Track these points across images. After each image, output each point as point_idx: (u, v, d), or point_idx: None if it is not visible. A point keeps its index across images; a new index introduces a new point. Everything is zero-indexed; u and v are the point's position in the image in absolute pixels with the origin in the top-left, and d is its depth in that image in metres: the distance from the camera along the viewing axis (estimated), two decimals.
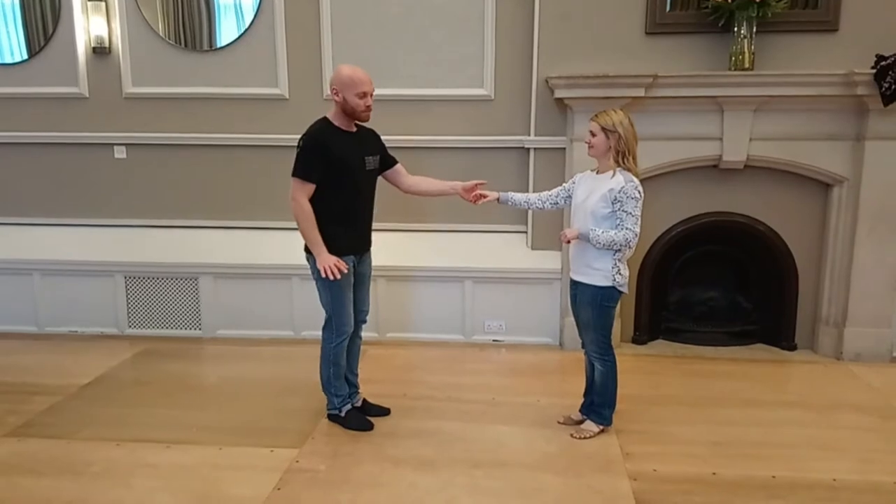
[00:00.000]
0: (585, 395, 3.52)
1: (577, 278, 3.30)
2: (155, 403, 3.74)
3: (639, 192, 3.12)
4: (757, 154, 4.26)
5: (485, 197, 3.48)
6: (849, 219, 4.30)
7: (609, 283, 3.18)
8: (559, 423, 3.49)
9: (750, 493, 2.88)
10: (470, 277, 4.65)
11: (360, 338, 3.58)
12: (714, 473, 3.03)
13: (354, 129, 3.28)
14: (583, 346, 3.42)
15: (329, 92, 3.21)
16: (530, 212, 4.63)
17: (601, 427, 3.38)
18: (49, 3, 4.72)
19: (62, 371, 4.16)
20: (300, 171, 3.12)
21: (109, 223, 4.90)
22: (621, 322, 4.60)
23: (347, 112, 3.19)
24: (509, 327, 4.69)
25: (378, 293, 4.69)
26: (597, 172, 3.27)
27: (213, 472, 2.97)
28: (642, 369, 4.28)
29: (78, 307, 4.83)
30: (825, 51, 4.15)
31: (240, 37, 4.69)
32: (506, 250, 4.70)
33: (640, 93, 4.10)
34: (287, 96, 4.71)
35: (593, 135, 3.20)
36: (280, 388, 3.90)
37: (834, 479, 2.98)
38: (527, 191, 4.61)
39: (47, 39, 4.77)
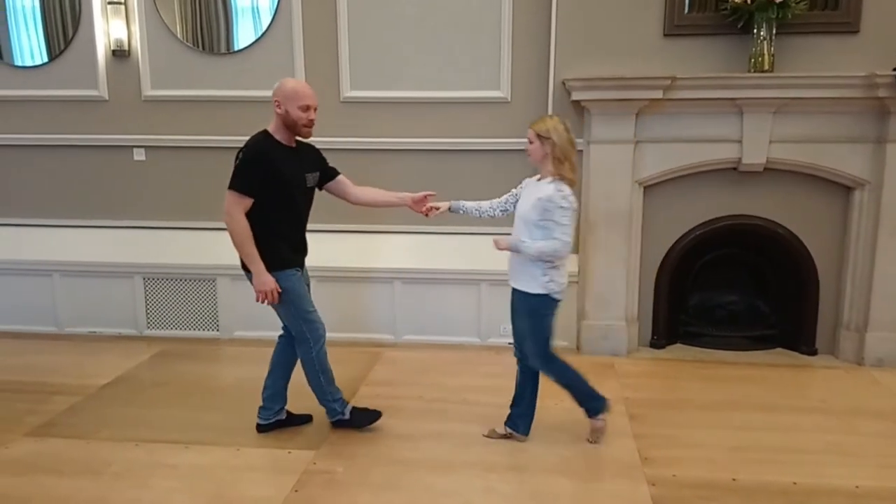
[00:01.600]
0: (512, 406, 3.40)
1: (512, 284, 3.24)
2: (173, 404, 3.77)
3: (568, 202, 3.02)
4: (777, 157, 4.22)
5: (436, 209, 3.43)
6: (870, 222, 4.25)
7: (543, 291, 3.12)
8: (484, 436, 3.38)
9: (770, 500, 2.85)
10: (486, 280, 4.63)
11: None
12: (734, 479, 3.00)
13: (294, 145, 3.18)
14: (516, 355, 3.37)
15: (273, 104, 3.10)
16: None
17: (601, 417, 3.30)
18: (69, 6, 4.77)
19: (81, 371, 4.20)
20: (238, 185, 3.01)
21: (128, 225, 4.94)
22: (639, 326, 4.58)
23: (288, 125, 3.09)
24: None
25: (394, 295, 4.70)
26: (538, 179, 3.22)
27: (231, 473, 2.98)
28: (661, 373, 4.25)
29: (97, 308, 4.87)
30: (846, 52, 4.11)
31: (257, 40, 4.72)
32: None
33: (658, 95, 4.07)
34: None
35: (530, 142, 3.15)
36: (296, 389, 3.88)
37: (856, 486, 2.94)
38: None
39: (67, 42, 4.82)
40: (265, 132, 3.12)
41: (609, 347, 4.48)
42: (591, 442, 3.31)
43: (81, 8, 4.74)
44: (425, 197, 3.44)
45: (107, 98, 4.84)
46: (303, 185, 3.19)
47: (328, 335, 4.69)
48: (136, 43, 4.76)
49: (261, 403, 3.42)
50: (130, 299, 4.85)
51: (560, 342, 4.61)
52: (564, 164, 3.06)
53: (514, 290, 3.23)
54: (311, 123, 3.11)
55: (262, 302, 3.08)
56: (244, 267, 3.12)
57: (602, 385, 3.95)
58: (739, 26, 4.10)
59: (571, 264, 4.53)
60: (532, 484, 2.97)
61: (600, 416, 3.31)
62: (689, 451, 3.26)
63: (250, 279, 3.11)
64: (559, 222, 3.00)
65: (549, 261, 3.07)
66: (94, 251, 4.87)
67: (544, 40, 4.44)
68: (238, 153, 3.06)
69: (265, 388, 3.41)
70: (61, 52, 4.84)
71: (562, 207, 3.00)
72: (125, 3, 4.69)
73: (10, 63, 4.92)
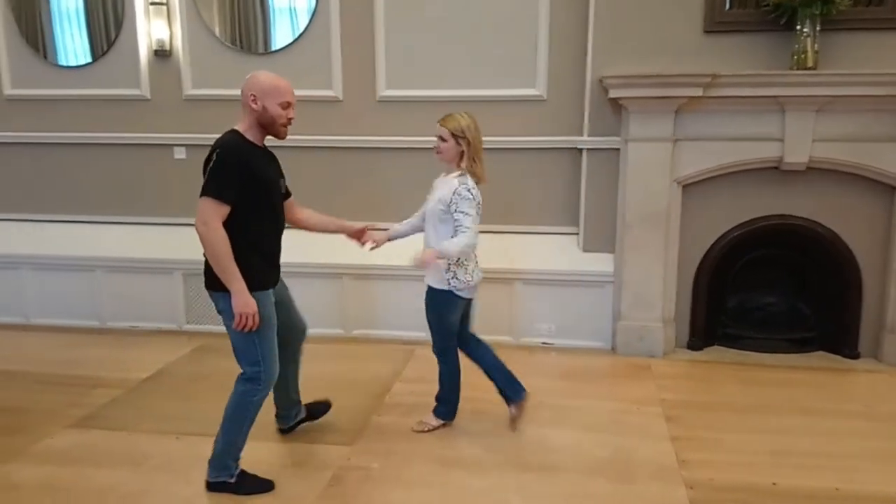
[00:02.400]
0: (442, 396, 3.50)
1: (425, 279, 3.31)
2: (212, 398, 3.77)
3: (471, 194, 3.06)
4: (819, 155, 4.13)
5: (375, 242, 3.33)
6: None
7: (444, 287, 3.16)
8: (413, 430, 3.42)
9: None
10: (519, 279, 4.62)
11: (301, 356, 3.27)
12: (774, 484, 2.95)
13: (263, 147, 2.85)
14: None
15: (246, 99, 2.76)
16: (582, 212, 4.58)
17: (441, 421, 3.42)
18: (112, 7, 4.87)
19: (123, 365, 4.29)
20: (215, 190, 2.61)
21: (169, 221, 5.02)
22: (676, 327, 4.52)
23: (264, 123, 2.75)
24: (559, 330, 4.65)
25: None
26: (444, 175, 3.26)
27: (268, 467, 3.01)
28: (698, 376, 4.20)
29: (138, 303, 4.97)
30: (891, 49, 4.00)
31: (295, 40, 4.76)
32: (556, 252, 4.66)
33: (699, 92, 4.02)
34: (341, 98, 4.76)
35: (443, 140, 3.15)
36: (331, 385, 3.92)
37: None
38: (580, 193, 4.58)
39: (111, 43, 4.92)
40: (235, 132, 2.76)
41: (645, 349, 4.43)
42: (415, 430, 3.39)
43: (125, 9, 4.84)
44: (364, 230, 3.28)
45: (149, 97, 4.93)
46: (277, 189, 2.88)
47: (359, 331, 4.78)
48: (178, 43, 4.84)
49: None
50: (170, 295, 4.94)
51: (595, 343, 4.60)
52: (478, 162, 3.14)
53: (428, 284, 3.30)
54: (289, 122, 2.81)
55: (241, 328, 2.66)
56: (210, 285, 2.74)
57: (638, 387, 3.96)
58: (782, 22, 4.01)
59: (607, 263, 4.51)
60: (567, 485, 2.95)
61: (442, 422, 3.43)
62: (727, 454, 3.21)
63: (217, 300, 2.74)
64: (467, 213, 3.04)
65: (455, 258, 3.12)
66: (136, 247, 4.97)
67: (581, 37, 4.41)
68: (209, 155, 2.67)
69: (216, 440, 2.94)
70: (105, 53, 4.95)
71: (467, 199, 3.05)
72: (167, 4, 4.77)
73: (55, 63, 5.04)
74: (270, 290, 2.85)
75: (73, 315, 5.07)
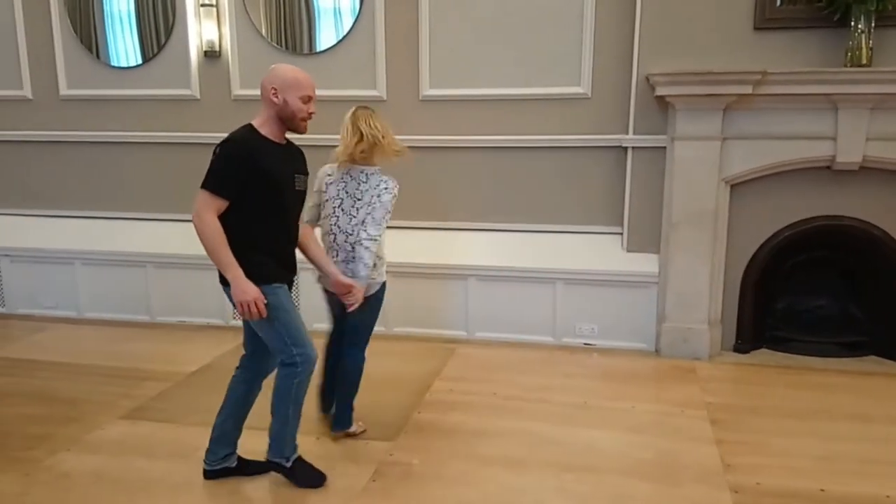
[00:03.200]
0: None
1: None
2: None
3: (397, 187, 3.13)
4: (874, 155, 4.01)
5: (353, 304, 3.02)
6: None
7: (384, 279, 3.26)
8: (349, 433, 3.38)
9: None
10: (561, 279, 4.59)
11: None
12: (822, 490, 2.88)
13: (284, 142, 2.79)
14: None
15: (267, 93, 2.72)
16: (626, 212, 4.53)
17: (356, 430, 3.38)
18: (162, 10, 4.99)
19: (171, 359, 4.40)
20: (212, 184, 2.58)
21: None
22: (722, 329, 4.44)
23: (284, 118, 2.71)
24: (602, 331, 4.61)
25: (468, 292, 4.72)
26: (360, 172, 3.17)
27: (312, 461, 3.03)
28: (745, 379, 4.12)
29: (187, 298, 5.09)
30: None
31: (340, 41, 4.81)
32: (599, 252, 4.62)
33: (748, 90, 3.94)
34: (385, 98, 4.80)
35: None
36: (373, 381, 3.94)
37: None
38: (624, 192, 4.53)
39: (160, 45, 5.04)
40: (249, 126, 2.71)
41: (690, 351, 4.37)
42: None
43: (175, 11, 4.95)
44: (349, 289, 2.97)
45: (198, 97, 5.04)
46: (292, 186, 2.77)
47: (400, 329, 4.81)
48: (227, 44, 4.94)
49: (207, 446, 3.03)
50: (218, 290, 4.92)
51: (638, 344, 4.55)
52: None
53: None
54: (310, 117, 2.75)
55: (246, 316, 2.65)
56: (221, 280, 2.71)
57: (682, 389, 3.90)
58: (836, 19, 3.91)
59: (652, 264, 4.46)
60: (608, 486, 2.93)
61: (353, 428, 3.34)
62: (773, 458, 3.14)
63: (228, 294, 2.69)
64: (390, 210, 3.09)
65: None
66: (185, 244, 5.05)
67: (627, 34, 4.36)
68: (215, 149, 2.64)
69: (214, 427, 2.98)
70: (156, 54, 5.07)
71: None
72: (217, 5, 4.87)
73: (108, 63, 5.18)
74: (280, 284, 2.75)
75: (124, 310, 5.22)
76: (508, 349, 4.58)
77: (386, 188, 3.08)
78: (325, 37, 4.86)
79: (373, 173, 3.11)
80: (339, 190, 3.11)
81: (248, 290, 2.60)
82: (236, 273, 2.59)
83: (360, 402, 3.50)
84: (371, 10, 4.71)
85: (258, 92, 4.92)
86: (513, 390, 3.90)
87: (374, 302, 3.22)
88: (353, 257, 3.04)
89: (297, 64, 4.83)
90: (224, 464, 2.98)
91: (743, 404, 3.74)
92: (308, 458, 3.03)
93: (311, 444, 3.23)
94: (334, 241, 3.12)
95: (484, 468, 3.06)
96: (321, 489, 2.90)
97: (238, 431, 2.99)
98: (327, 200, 3.13)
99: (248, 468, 3.00)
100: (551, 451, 3.21)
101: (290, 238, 2.83)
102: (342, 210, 3.10)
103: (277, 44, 4.90)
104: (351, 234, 3.07)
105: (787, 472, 3.03)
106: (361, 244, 3.01)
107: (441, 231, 4.88)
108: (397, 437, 3.35)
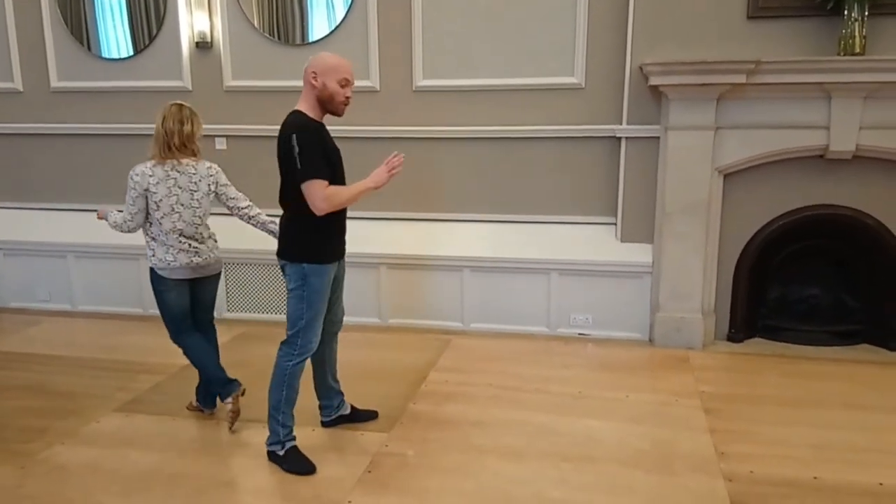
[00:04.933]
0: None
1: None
2: (252, 385, 3.84)
3: (132, 181, 3.24)
4: (867, 144, 4.02)
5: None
6: None
7: (149, 265, 3.33)
8: (188, 408, 3.57)
9: (854, 501, 2.74)
10: (556, 269, 4.60)
11: (337, 343, 3.31)
12: (815, 478, 2.90)
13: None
14: None
15: (308, 77, 2.85)
16: (620, 202, 4.54)
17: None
18: (153, 0, 4.95)
19: (165, 351, 4.32)
20: (310, 172, 2.74)
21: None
22: (716, 319, 4.46)
23: (323, 100, 2.84)
24: (596, 321, 4.62)
25: (463, 283, 4.72)
26: (186, 164, 3.37)
27: (307, 452, 3.04)
28: (738, 368, 4.13)
29: None
30: None
31: (332, 31, 4.79)
32: (594, 242, 4.62)
33: (742, 79, 3.94)
34: (378, 88, 4.78)
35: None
36: (368, 373, 3.97)
37: None
38: (618, 182, 4.53)
39: (152, 36, 5.01)
40: (299, 112, 2.85)
41: (683, 340, 4.38)
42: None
43: (167, 1, 4.91)
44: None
45: (190, 89, 5.01)
46: (342, 163, 2.99)
47: (395, 320, 4.81)
48: (218, 35, 4.91)
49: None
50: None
51: (632, 334, 4.56)
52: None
53: None
54: (348, 101, 2.88)
55: (394, 173, 2.95)
56: (278, 253, 2.98)
57: (676, 378, 3.92)
58: (829, 7, 3.91)
59: (645, 254, 4.47)
60: (605, 475, 2.94)
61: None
62: (767, 447, 3.16)
63: (283, 265, 2.96)
64: (126, 199, 3.27)
65: (151, 237, 3.30)
66: None
67: (621, 24, 4.35)
68: (285, 140, 2.78)
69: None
70: (147, 46, 5.04)
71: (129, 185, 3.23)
72: None
73: (99, 55, 5.15)
74: (330, 266, 2.95)
75: (118, 302, 5.20)
76: (503, 340, 4.59)
77: None
78: (318, 27, 4.84)
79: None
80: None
81: (377, 179, 2.91)
82: (362, 187, 2.90)
83: (355, 392, 3.51)
84: (364, 1, 4.68)
85: (250, 83, 4.97)
86: (509, 381, 3.91)
87: None
88: None
89: (288, 55, 4.87)
90: (339, 412, 3.36)
91: (736, 393, 3.76)
92: (304, 449, 3.04)
93: (305, 434, 3.22)
94: None
95: (481, 458, 3.07)
96: (316, 481, 2.90)
97: (336, 382, 3.34)
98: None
99: (360, 416, 3.40)
100: (548, 441, 3.22)
101: (345, 212, 3.03)
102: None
103: (270, 34, 4.87)
104: None
105: (780, 460, 3.05)
106: None
107: (435, 222, 4.87)
108: (392, 428, 3.35)
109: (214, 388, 3.39)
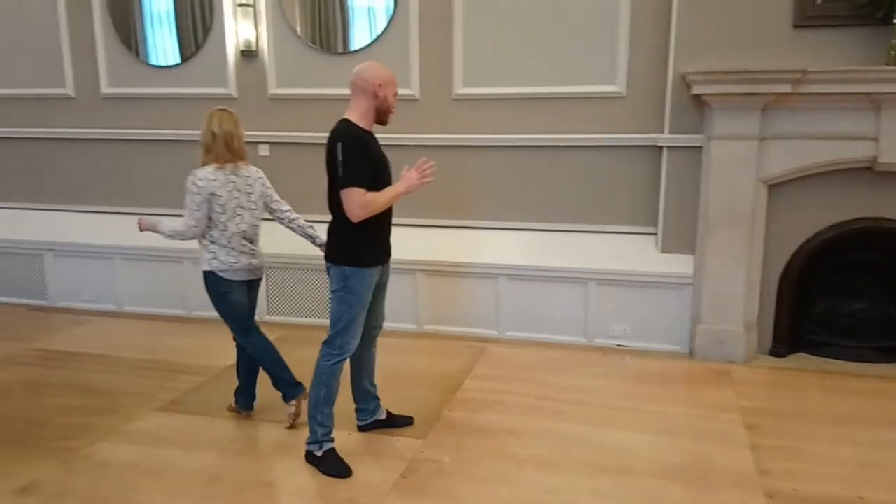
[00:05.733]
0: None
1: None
2: None
3: (195, 186, 3.24)
4: None
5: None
6: None
7: (207, 268, 3.34)
8: (228, 409, 3.62)
9: None
10: (594, 279, 4.56)
11: (375, 348, 3.36)
12: (860, 497, 2.82)
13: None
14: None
15: (372, 88, 2.91)
16: (661, 212, 4.49)
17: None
18: (200, 9, 5.07)
19: (207, 353, 4.46)
20: (350, 179, 2.81)
21: None
22: (759, 332, 4.37)
23: (382, 111, 2.95)
24: (634, 332, 4.57)
25: (499, 291, 4.71)
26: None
27: (343, 455, 3.07)
28: (781, 383, 4.05)
29: None
30: None
31: (374, 41, 4.84)
32: (633, 252, 4.58)
33: (787, 89, 3.87)
34: (418, 97, 4.82)
35: None
36: (404, 379, 3.99)
37: None
38: (659, 192, 4.48)
39: (198, 44, 5.12)
40: (348, 121, 2.93)
41: (725, 354, 4.30)
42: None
43: (213, 11, 5.03)
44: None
45: (236, 96, 5.11)
46: (390, 170, 3.04)
47: (430, 327, 4.82)
48: (263, 43, 5.00)
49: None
50: None
51: (672, 346, 4.50)
52: (203, 152, 3.34)
53: None
54: (393, 110, 3.02)
55: (427, 177, 2.98)
56: (325, 256, 3.05)
57: (716, 393, 3.86)
58: (879, 16, 3.83)
59: (686, 265, 4.40)
60: (641, 488, 2.90)
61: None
62: (811, 465, 3.09)
63: (328, 268, 3.02)
64: (187, 204, 3.26)
65: (202, 236, 3.33)
66: None
67: (663, 32, 4.31)
68: (331, 147, 2.86)
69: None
70: (194, 54, 5.15)
71: (189, 190, 3.25)
72: (254, 5, 4.93)
73: (146, 62, 5.28)
74: (372, 270, 3.00)
75: (162, 304, 5.32)
76: (539, 349, 4.57)
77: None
78: (359, 36, 4.89)
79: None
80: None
81: (408, 183, 2.95)
82: (395, 191, 2.94)
83: (391, 398, 3.53)
84: (405, 10, 4.73)
85: (293, 91, 5.03)
86: (545, 390, 3.89)
87: None
88: None
89: (331, 63, 4.94)
90: (374, 417, 3.39)
91: (779, 409, 3.68)
92: (340, 451, 3.08)
93: (343, 438, 3.24)
94: None
95: (516, 468, 3.06)
96: (352, 485, 2.92)
97: (374, 386, 3.37)
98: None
99: (396, 421, 3.43)
100: (584, 452, 3.19)
101: (390, 219, 3.10)
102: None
103: (312, 43, 4.95)
104: None
105: (824, 478, 2.97)
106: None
107: (473, 230, 4.88)
108: (428, 434, 3.36)
109: (280, 387, 3.44)
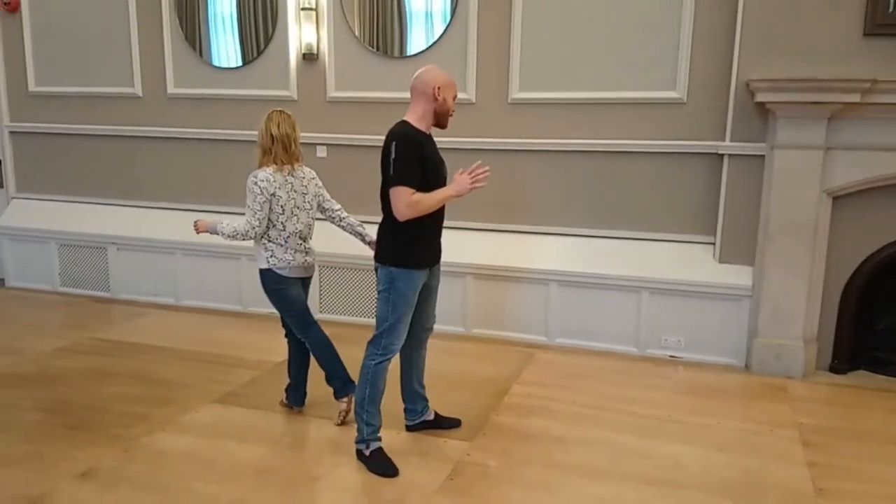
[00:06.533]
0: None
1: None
2: None
3: (257, 187, 3.28)
4: None
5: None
6: None
7: (265, 266, 3.38)
8: (280, 404, 3.69)
9: None
10: (647, 288, 4.49)
11: (426, 349, 3.38)
12: None
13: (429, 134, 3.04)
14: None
15: (431, 91, 2.95)
16: (720, 221, 4.39)
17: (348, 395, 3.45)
18: (262, 13, 5.19)
19: (261, 348, 4.56)
20: (400, 179, 2.84)
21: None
22: (818, 347, 4.24)
23: (441, 113, 2.98)
24: (689, 344, 4.48)
25: (549, 297, 4.69)
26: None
27: (391, 454, 3.10)
28: (840, 400, 3.92)
29: None
30: None
31: (431, 45, 4.86)
32: (690, 261, 4.49)
33: (856, 98, 3.75)
34: (474, 101, 4.83)
35: None
36: (451, 381, 4.00)
37: None
38: (718, 200, 4.39)
39: (262, 47, 5.23)
40: (406, 122, 2.97)
41: (782, 368, 4.19)
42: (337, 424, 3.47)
43: (277, 14, 5.13)
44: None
45: (296, 98, 5.20)
46: (445, 172, 3.07)
47: (478, 331, 4.82)
48: (324, 47, 5.08)
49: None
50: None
51: (727, 359, 4.40)
52: (261, 154, 3.38)
53: None
54: (453, 114, 3.06)
55: (479, 182, 2.97)
56: (375, 256, 3.08)
57: (772, 408, 3.76)
58: None
59: (745, 276, 4.30)
60: (690, 502, 2.85)
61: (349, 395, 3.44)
62: (870, 485, 2.98)
63: (377, 268, 3.06)
64: (249, 205, 3.31)
65: (262, 236, 3.38)
66: None
67: (727, 38, 4.22)
68: (387, 146, 2.90)
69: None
70: (257, 56, 5.27)
71: (250, 191, 3.30)
72: (316, 9, 5.02)
73: (210, 63, 5.43)
74: (418, 272, 3.01)
75: (219, 299, 5.46)
76: (589, 357, 4.52)
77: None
78: (416, 41, 4.93)
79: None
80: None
81: (459, 187, 2.94)
82: (444, 194, 2.95)
83: (439, 399, 3.55)
84: (464, 15, 4.74)
85: (352, 94, 5.10)
86: (594, 399, 3.85)
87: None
88: None
89: (389, 67, 4.99)
90: (422, 417, 3.42)
91: (838, 427, 3.56)
92: (388, 450, 3.11)
93: (391, 437, 3.27)
94: None
95: (563, 476, 3.04)
96: (399, 484, 2.95)
97: (422, 387, 3.40)
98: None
99: (443, 423, 3.44)
100: (633, 463, 3.15)
101: (441, 222, 3.11)
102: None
103: (371, 46, 5.01)
104: None
105: (882, 499, 2.87)
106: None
107: (525, 234, 4.86)
108: (475, 437, 3.36)
109: (334, 383, 3.50)
